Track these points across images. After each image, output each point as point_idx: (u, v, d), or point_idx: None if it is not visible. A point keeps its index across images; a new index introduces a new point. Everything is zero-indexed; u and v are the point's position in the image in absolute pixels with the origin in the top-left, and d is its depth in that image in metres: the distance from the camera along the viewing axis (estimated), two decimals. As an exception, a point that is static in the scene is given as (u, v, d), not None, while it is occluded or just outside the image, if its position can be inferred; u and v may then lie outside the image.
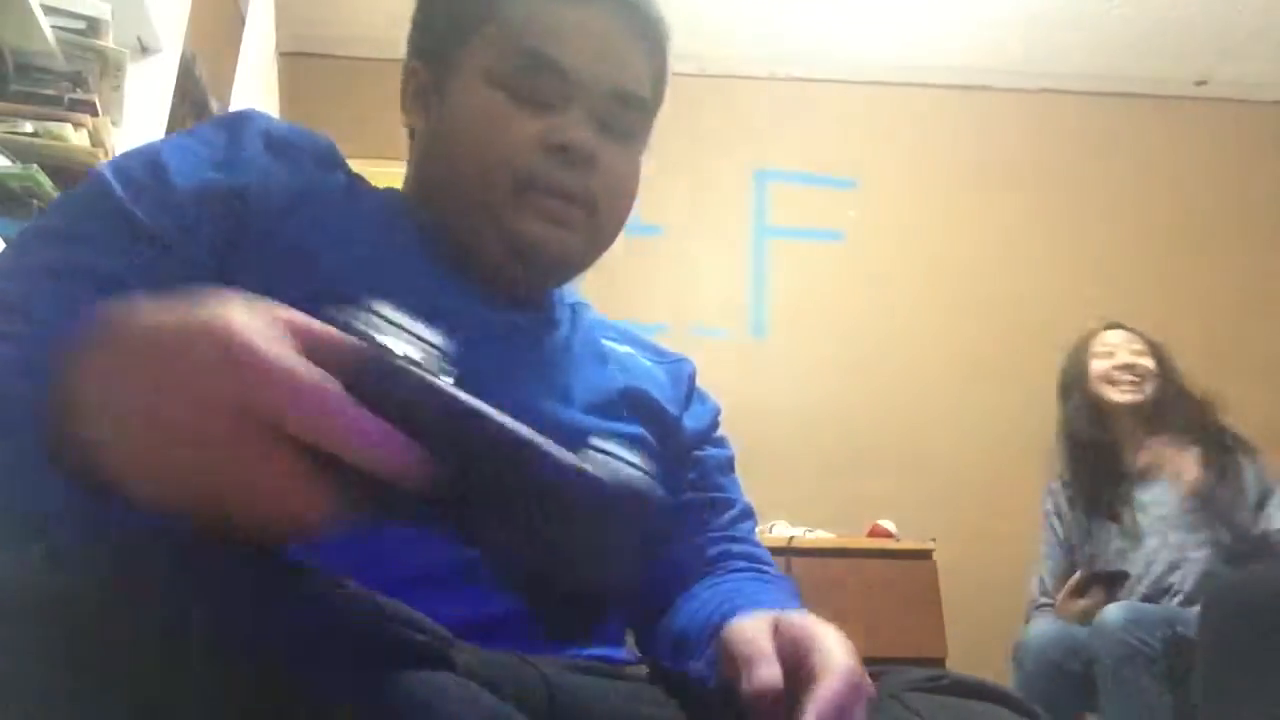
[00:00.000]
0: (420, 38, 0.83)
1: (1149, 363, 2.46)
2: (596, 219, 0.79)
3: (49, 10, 1.72)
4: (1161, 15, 3.43)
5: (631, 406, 0.81)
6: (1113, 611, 2.08)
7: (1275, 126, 3.79)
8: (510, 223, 0.76)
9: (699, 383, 0.92)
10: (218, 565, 0.41)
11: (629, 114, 0.81)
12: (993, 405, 3.37)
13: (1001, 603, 2.89)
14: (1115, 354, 2.48)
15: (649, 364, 0.88)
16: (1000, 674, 2.35)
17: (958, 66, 3.70)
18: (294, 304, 0.62)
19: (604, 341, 0.87)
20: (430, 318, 0.70)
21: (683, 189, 3.56)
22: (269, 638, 0.39)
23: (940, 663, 2.58)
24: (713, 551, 0.83)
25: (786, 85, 3.73)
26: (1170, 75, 3.72)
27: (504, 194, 0.76)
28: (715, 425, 0.91)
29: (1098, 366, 2.48)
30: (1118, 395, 2.43)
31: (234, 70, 2.76)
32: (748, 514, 0.89)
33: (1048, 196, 3.69)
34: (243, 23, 2.86)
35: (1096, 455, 2.44)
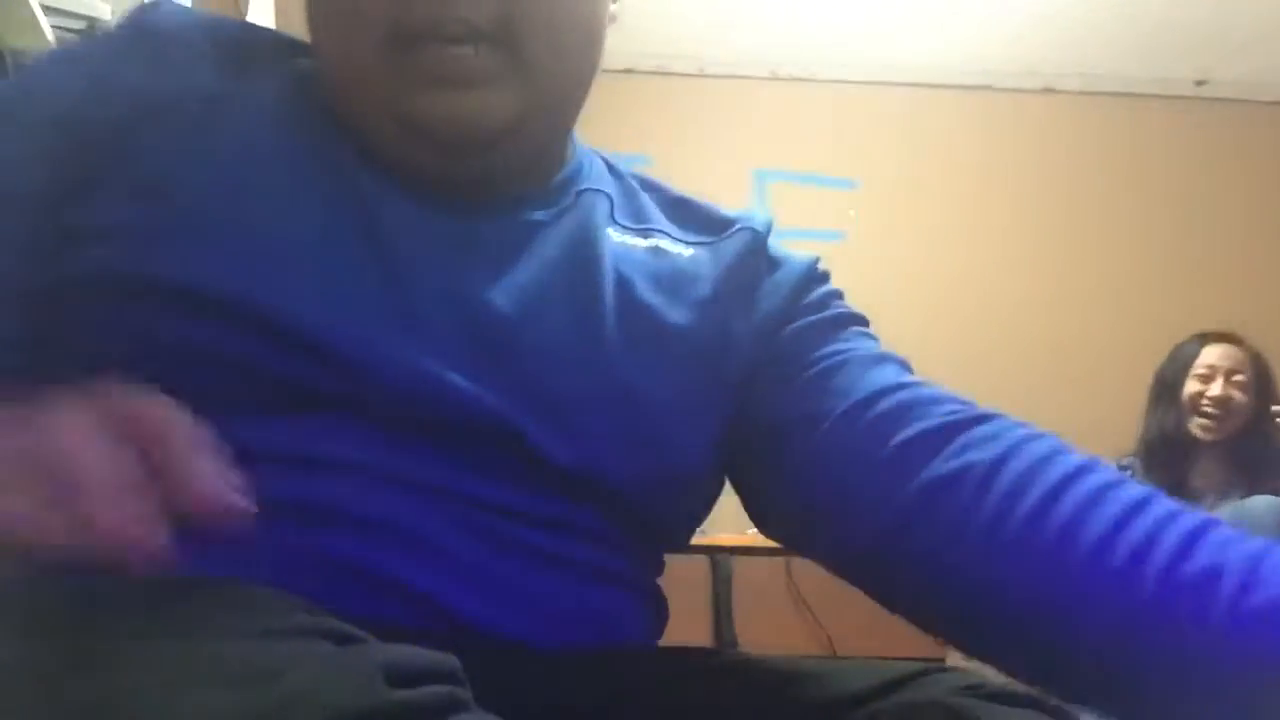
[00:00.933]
0: None
1: (1241, 397, 2.36)
2: (524, 55, 0.57)
3: (49, 10, 1.72)
4: (1161, 15, 3.42)
5: (659, 364, 0.62)
6: None
7: (1275, 126, 3.78)
8: (394, 98, 0.57)
9: None
10: (208, 632, 0.37)
11: None
12: (992, 404, 3.36)
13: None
14: (1214, 379, 2.38)
15: (686, 251, 0.68)
16: (1000, 674, 2.33)
17: (958, 67, 3.69)
18: (147, 242, 0.54)
19: (614, 237, 0.66)
20: (336, 242, 0.56)
21: (683, 189, 3.55)
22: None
23: (940, 663, 2.58)
24: (878, 414, 0.59)
25: (786, 85, 3.72)
26: (1170, 75, 3.71)
27: (379, 60, 0.56)
28: (801, 290, 0.68)
29: (1191, 388, 2.40)
30: (1197, 430, 2.37)
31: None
32: (879, 359, 0.65)
33: (1047, 196, 3.68)
34: (243, 23, 2.86)
35: (1167, 467, 2.41)
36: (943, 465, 0.57)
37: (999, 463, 0.56)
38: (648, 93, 3.45)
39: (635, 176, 0.73)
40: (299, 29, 0.70)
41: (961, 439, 0.58)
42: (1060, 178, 3.71)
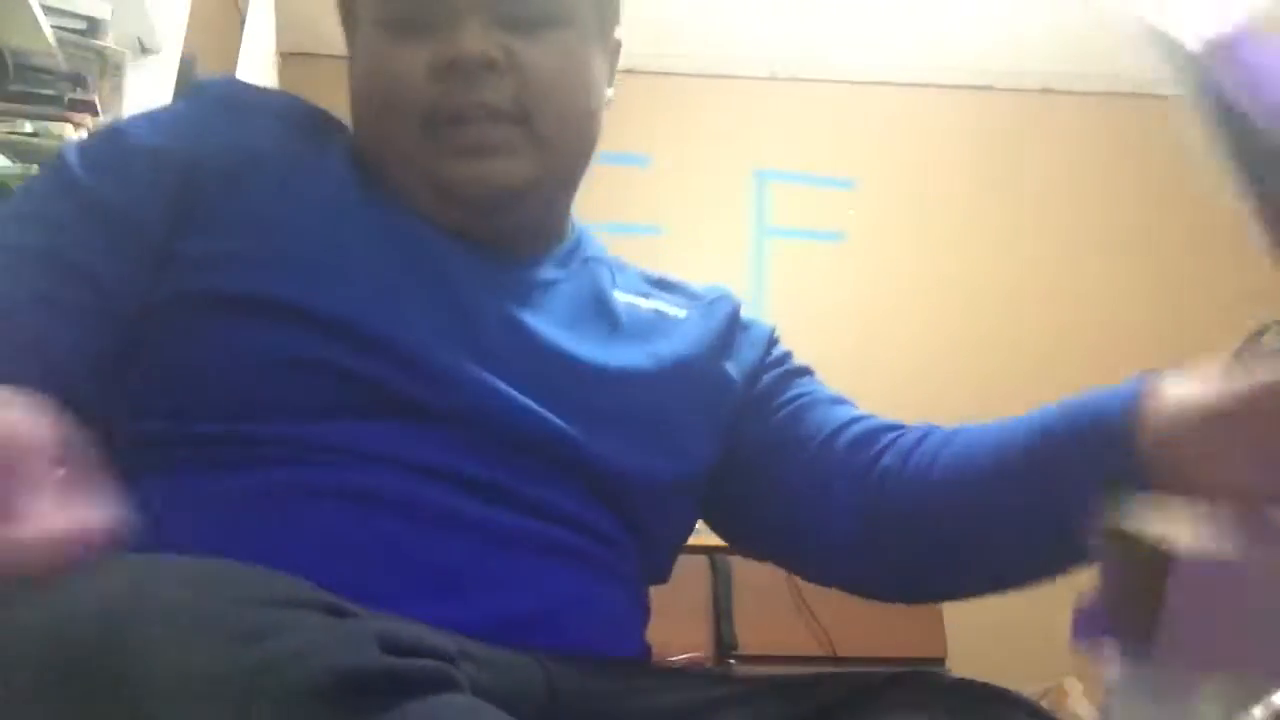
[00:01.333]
0: (339, 5, 0.78)
1: None
2: (535, 126, 0.70)
3: (49, 10, 1.72)
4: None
5: (662, 384, 0.73)
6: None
7: (1275, 126, 3.78)
8: (430, 167, 0.69)
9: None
10: (210, 599, 0.41)
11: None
12: (993, 405, 3.36)
13: (1001, 603, 2.89)
14: None
15: (680, 313, 0.80)
16: (1000, 674, 2.34)
17: (958, 66, 3.69)
18: (253, 268, 0.65)
19: (618, 296, 0.78)
20: (403, 270, 0.67)
21: (683, 189, 3.55)
22: (268, 680, 0.38)
23: (940, 662, 2.58)
24: (849, 438, 0.74)
25: (786, 85, 3.72)
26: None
27: (414, 137, 0.69)
28: (768, 350, 0.82)
29: None
30: None
31: (234, 70, 2.76)
32: (837, 400, 0.79)
33: (1047, 196, 3.68)
34: (243, 23, 2.86)
35: None
36: (889, 460, 0.73)
37: (914, 446, 0.72)
38: (648, 93, 3.44)
39: (619, 259, 0.85)
40: (298, 27, 0.73)
41: (900, 442, 0.74)
42: (1060, 178, 3.70)
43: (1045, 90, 3.76)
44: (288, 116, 0.74)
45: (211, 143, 0.69)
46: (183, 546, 0.59)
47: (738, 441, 0.77)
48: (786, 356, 0.84)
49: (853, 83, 3.72)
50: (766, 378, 0.80)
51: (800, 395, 0.79)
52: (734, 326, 0.82)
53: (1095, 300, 3.56)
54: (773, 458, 0.76)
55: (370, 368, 0.63)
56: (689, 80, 3.60)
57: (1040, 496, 0.63)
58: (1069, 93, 3.76)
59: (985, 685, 0.60)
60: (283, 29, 3.41)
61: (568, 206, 0.80)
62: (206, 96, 0.73)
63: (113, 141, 0.70)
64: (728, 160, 3.65)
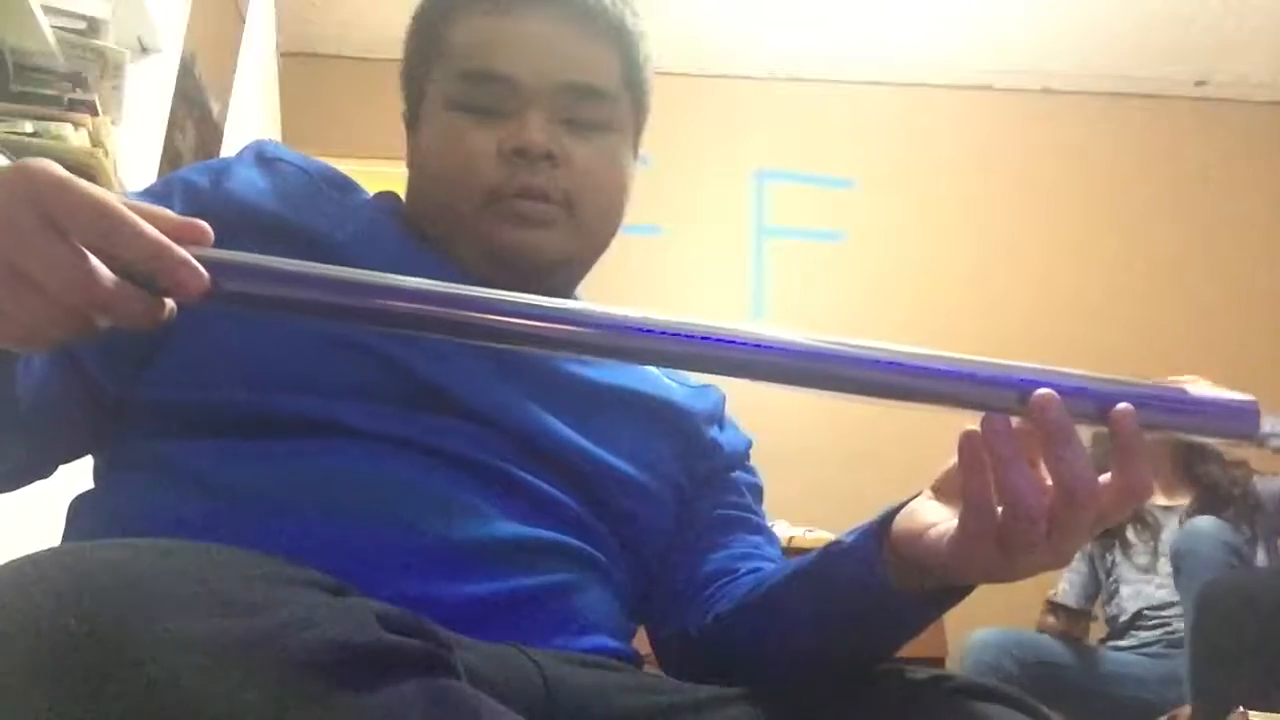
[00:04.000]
0: (402, 74, 0.86)
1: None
2: (577, 214, 0.79)
3: (49, 10, 1.72)
4: (1161, 15, 3.43)
5: (651, 412, 0.81)
6: (980, 634, 2.40)
7: (1275, 126, 3.79)
8: (484, 233, 0.77)
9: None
10: (213, 575, 0.42)
11: (591, 106, 0.80)
12: (992, 405, 3.37)
13: (1001, 603, 2.89)
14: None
15: (671, 383, 0.87)
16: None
17: (958, 66, 3.70)
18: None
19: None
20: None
21: (682, 189, 3.56)
22: (266, 650, 0.39)
23: (940, 663, 2.58)
24: (746, 565, 0.80)
25: (786, 85, 3.72)
26: (1170, 75, 3.71)
27: (475, 207, 0.77)
28: (748, 455, 0.90)
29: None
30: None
31: (234, 70, 2.76)
32: (775, 542, 0.87)
33: (1047, 196, 3.69)
34: (243, 23, 2.86)
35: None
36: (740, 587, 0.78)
37: (744, 578, 0.78)
38: (648, 93, 3.45)
39: None
40: (298, 27, 0.73)
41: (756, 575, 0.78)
42: (1059, 178, 3.71)
43: (1045, 90, 3.77)
44: (318, 177, 0.81)
45: (240, 185, 0.76)
46: (196, 510, 0.63)
47: (687, 505, 0.83)
48: (756, 470, 0.90)
49: (853, 83, 3.72)
50: (735, 475, 0.87)
51: (753, 511, 0.86)
52: (723, 415, 0.89)
53: (1095, 299, 3.56)
54: (693, 543, 0.82)
55: (405, 356, 0.69)
56: (689, 80, 3.61)
57: (816, 597, 0.68)
58: (1068, 93, 3.77)
59: (983, 684, 0.60)
60: (283, 29, 3.41)
61: (580, 280, 0.88)
62: (250, 156, 0.81)
63: (163, 184, 0.78)
64: (727, 160, 3.65)
